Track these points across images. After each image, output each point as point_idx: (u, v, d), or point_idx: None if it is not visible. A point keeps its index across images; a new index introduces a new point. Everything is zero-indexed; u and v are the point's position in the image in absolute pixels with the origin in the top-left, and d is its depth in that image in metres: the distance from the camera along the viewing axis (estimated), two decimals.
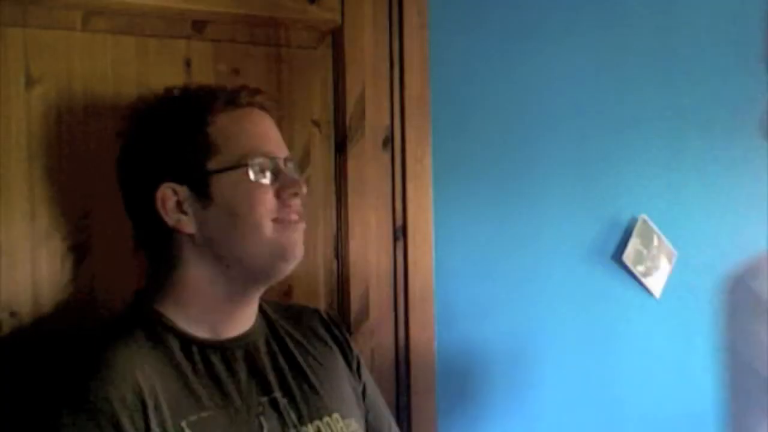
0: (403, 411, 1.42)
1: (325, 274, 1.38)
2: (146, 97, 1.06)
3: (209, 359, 0.98)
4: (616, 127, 1.63)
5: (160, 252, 1.02)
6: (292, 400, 1.03)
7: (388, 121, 1.41)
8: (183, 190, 0.98)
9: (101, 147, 1.19)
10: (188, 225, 0.99)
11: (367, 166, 1.39)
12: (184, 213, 0.98)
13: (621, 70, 1.64)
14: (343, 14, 1.37)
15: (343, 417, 1.07)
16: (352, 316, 1.37)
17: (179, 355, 0.97)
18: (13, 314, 1.13)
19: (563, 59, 1.58)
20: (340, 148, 1.38)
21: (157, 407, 0.90)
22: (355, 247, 1.38)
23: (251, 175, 0.99)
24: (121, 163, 1.06)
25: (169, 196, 0.98)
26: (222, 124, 1.00)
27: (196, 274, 1.00)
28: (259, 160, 1.00)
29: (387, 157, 1.41)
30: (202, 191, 0.98)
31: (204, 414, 0.94)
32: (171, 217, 0.98)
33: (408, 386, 1.41)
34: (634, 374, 1.66)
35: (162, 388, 0.92)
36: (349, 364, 1.16)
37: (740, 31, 1.78)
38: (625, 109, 1.64)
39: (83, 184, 1.18)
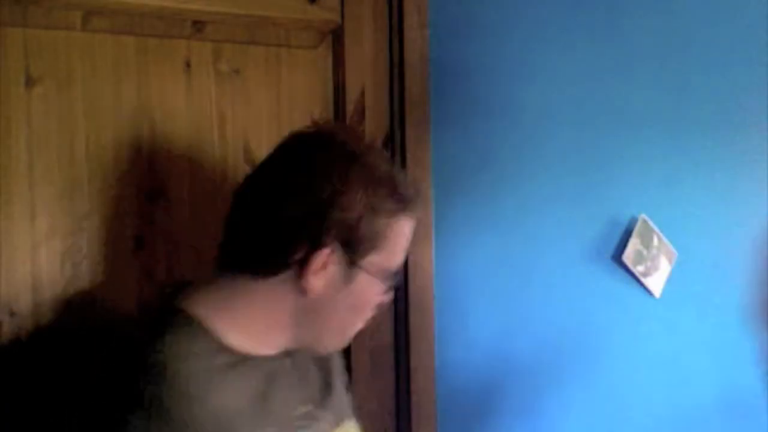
0: (403, 411, 1.42)
1: None
2: (352, 149, 0.97)
3: (253, 376, 0.96)
4: (616, 126, 1.63)
5: (250, 275, 0.95)
6: (323, 409, 1.03)
7: (388, 121, 1.41)
8: (343, 261, 0.94)
9: (101, 147, 1.20)
10: (314, 289, 0.93)
11: None
12: (320, 279, 0.93)
13: (621, 70, 1.64)
14: (343, 14, 1.37)
15: (354, 424, 1.09)
16: None
17: (234, 371, 0.93)
18: (13, 314, 1.13)
19: (563, 59, 1.58)
20: None
21: (232, 425, 0.89)
22: None
23: (384, 290, 0.99)
24: (298, 193, 0.93)
25: (324, 260, 0.92)
26: (398, 230, 0.97)
27: (268, 314, 0.96)
28: (398, 278, 1.01)
29: (387, 157, 1.41)
30: (353, 272, 0.95)
31: (269, 430, 0.93)
32: (310, 278, 0.93)
33: (408, 387, 1.41)
34: (634, 375, 1.66)
35: (227, 403, 0.90)
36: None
37: (741, 31, 1.78)
38: (625, 108, 1.64)
39: (83, 184, 1.18)
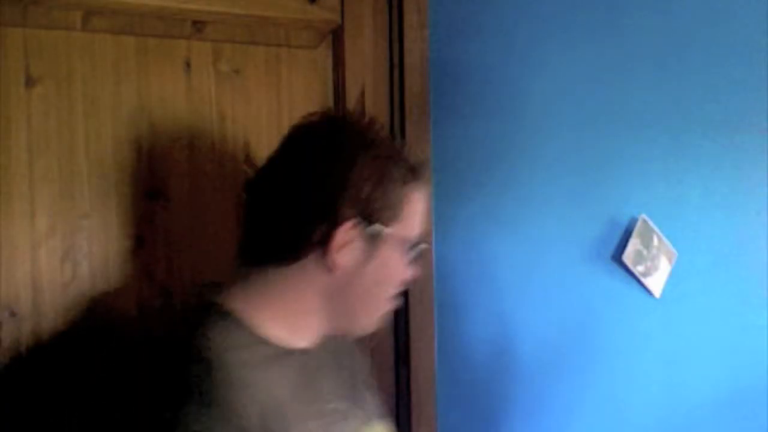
0: (403, 411, 1.42)
1: None
2: (359, 127, 1.01)
3: (292, 368, 0.96)
4: (616, 127, 1.63)
5: (277, 263, 0.97)
6: (355, 406, 1.04)
7: (388, 121, 1.41)
8: (364, 234, 0.95)
9: (101, 147, 1.20)
10: (340, 265, 0.95)
11: None
12: (343, 255, 0.95)
13: (621, 70, 1.64)
14: (343, 14, 1.37)
15: (384, 426, 1.09)
16: None
17: (276, 363, 0.94)
18: (13, 314, 1.13)
19: (563, 59, 1.58)
20: None
21: (277, 416, 0.90)
22: None
23: (409, 260, 1.00)
24: (309, 176, 0.97)
25: (344, 236, 0.94)
26: (411, 198, 0.99)
27: (300, 299, 0.97)
28: (422, 246, 1.01)
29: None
30: (375, 244, 0.96)
31: (311, 424, 0.94)
32: (334, 255, 0.94)
33: (408, 387, 1.41)
34: (634, 374, 1.66)
35: (272, 396, 0.91)
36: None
37: (741, 31, 1.78)
38: (625, 109, 1.64)
39: (83, 184, 1.18)
